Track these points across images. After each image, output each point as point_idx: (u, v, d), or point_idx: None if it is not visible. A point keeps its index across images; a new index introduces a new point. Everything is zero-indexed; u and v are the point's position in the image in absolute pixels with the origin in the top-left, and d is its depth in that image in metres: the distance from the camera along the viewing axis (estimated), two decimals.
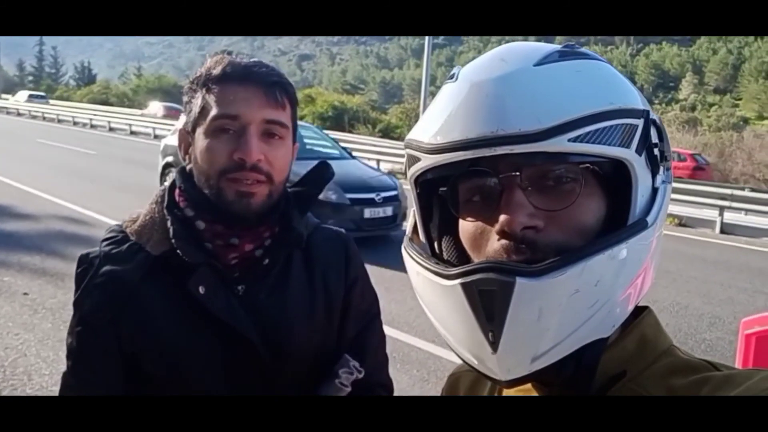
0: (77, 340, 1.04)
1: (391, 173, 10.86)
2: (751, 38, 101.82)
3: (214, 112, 1.01)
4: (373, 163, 15.97)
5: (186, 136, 1.08)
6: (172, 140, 8.86)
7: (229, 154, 1.00)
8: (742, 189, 11.87)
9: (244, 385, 1.03)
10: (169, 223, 1.04)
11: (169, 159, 9.20)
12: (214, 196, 1.02)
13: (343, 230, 1.24)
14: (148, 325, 1.01)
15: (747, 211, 11.38)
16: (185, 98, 1.08)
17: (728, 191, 11.47)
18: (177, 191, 1.08)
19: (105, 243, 1.06)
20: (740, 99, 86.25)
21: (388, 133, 28.88)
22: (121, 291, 1.01)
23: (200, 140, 1.03)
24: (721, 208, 11.07)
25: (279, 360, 1.05)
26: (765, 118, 75.55)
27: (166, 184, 1.11)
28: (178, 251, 1.01)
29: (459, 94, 0.62)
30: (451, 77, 0.66)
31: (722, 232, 10.95)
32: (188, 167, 1.08)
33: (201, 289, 1.00)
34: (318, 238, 1.17)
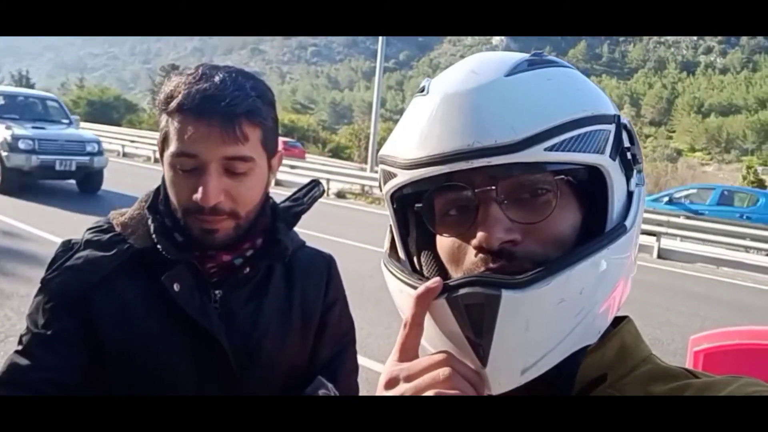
0: (38, 317, 1.01)
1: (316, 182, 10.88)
2: (684, 74, 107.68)
3: (172, 147, 0.97)
4: (324, 183, 15.98)
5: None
6: None
7: (189, 194, 0.97)
8: (677, 216, 12.39)
9: (211, 387, 1.02)
10: (150, 221, 1.03)
11: None
12: (183, 226, 1.01)
13: (328, 252, 1.24)
14: (119, 313, 1.00)
15: (682, 237, 11.89)
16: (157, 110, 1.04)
17: (664, 218, 11.97)
18: (161, 196, 1.07)
19: (89, 231, 1.06)
20: (674, 131, 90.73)
21: (338, 153, 28.98)
22: (94, 274, 1.00)
23: (166, 168, 1.01)
24: (658, 234, 11.53)
25: (248, 367, 1.04)
26: (696, 150, 79.73)
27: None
28: (158, 246, 1.00)
29: (432, 108, 0.62)
30: (422, 90, 0.66)
31: (659, 257, 11.40)
32: None
33: (176, 287, 0.99)
34: (301, 257, 1.17)
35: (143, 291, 1.02)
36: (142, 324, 1.00)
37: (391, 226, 0.72)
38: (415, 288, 0.62)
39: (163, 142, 1.00)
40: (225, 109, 0.94)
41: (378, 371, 4.41)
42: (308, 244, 1.24)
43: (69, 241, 1.07)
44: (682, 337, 1.89)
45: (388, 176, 0.66)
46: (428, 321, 0.62)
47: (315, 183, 1.19)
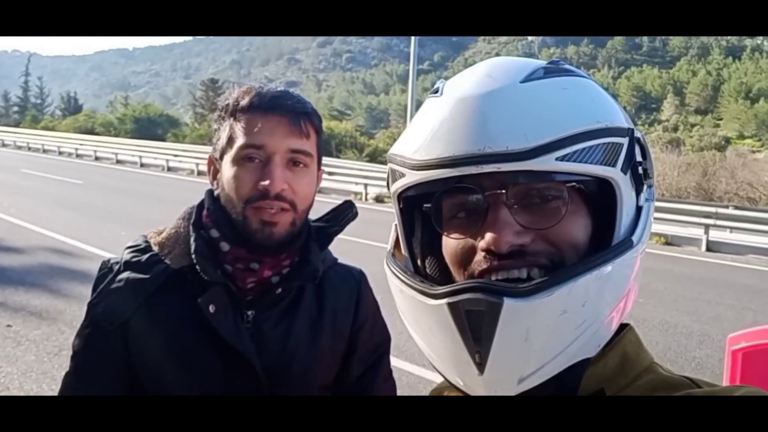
0: (85, 342, 1.07)
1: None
2: (729, 59, 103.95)
3: (240, 141, 1.03)
4: (360, 188, 16.02)
5: (214, 163, 1.11)
6: None
7: (255, 182, 1.02)
8: (726, 207, 11.97)
9: None
10: (192, 240, 1.06)
11: None
12: (239, 223, 1.04)
13: (359, 268, 1.26)
14: (154, 334, 1.04)
15: (732, 228, 11.47)
16: (214, 126, 1.11)
17: (713, 209, 11.57)
18: (204, 212, 1.11)
19: (128, 250, 1.10)
20: (721, 119, 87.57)
21: (375, 157, 28.92)
22: (135, 298, 1.04)
23: (227, 168, 1.06)
24: (707, 227, 11.16)
25: (278, 388, 1.06)
26: (746, 137, 76.76)
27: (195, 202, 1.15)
28: (196, 267, 1.03)
29: (444, 110, 0.62)
30: (435, 92, 0.66)
31: (708, 250, 11.02)
32: (216, 192, 1.11)
33: (211, 308, 1.03)
34: (333, 275, 1.19)
35: (179, 311, 1.04)
36: (177, 343, 1.04)
37: (396, 225, 0.73)
38: (414, 289, 0.63)
39: (226, 145, 1.06)
40: (292, 106, 1.06)
41: (418, 375, 4.42)
42: (348, 250, 1.26)
43: (108, 261, 1.10)
44: (732, 333, 1.85)
45: (396, 176, 0.66)
46: (426, 322, 0.62)
47: (349, 204, 1.21)
